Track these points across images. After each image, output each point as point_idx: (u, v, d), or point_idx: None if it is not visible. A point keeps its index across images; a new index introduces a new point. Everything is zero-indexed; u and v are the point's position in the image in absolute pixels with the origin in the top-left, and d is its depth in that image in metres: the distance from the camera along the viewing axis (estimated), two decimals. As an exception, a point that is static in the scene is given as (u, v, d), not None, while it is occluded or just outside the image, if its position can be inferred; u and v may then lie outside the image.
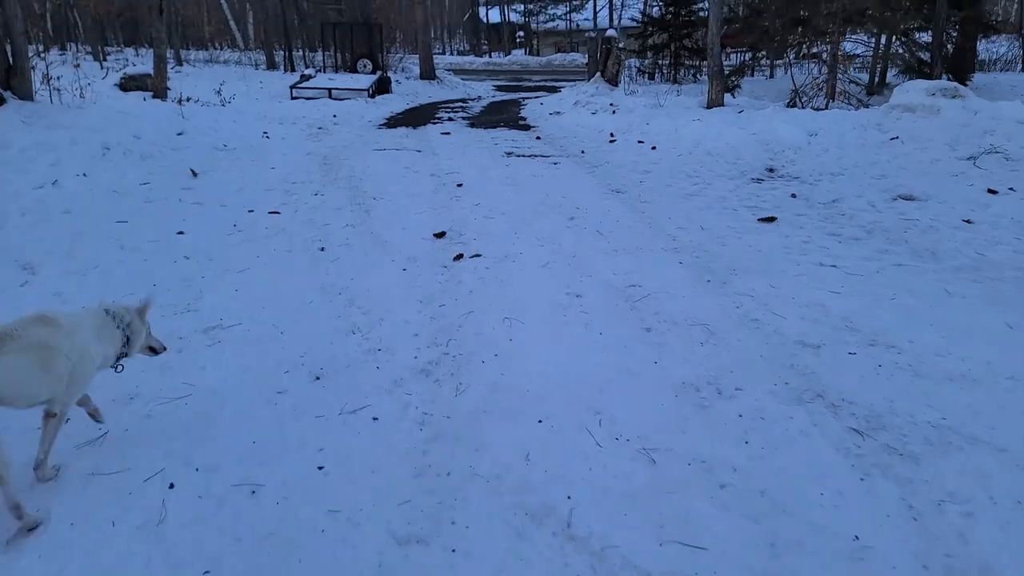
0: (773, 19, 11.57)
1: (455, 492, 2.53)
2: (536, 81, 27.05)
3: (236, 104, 12.32)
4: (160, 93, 11.26)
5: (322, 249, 5.24)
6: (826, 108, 10.08)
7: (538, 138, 10.07)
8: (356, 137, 10.60)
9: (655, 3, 26.48)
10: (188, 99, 10.93)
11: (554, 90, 22.26)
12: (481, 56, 45.38)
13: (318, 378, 3.36)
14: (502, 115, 13.57)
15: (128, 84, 12.00)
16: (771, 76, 20.78)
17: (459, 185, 7.14)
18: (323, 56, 20.77)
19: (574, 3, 44.66)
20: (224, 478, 2.67)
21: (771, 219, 5.63)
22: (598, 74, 14.08)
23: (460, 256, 4.99)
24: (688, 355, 3.41)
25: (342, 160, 8.64)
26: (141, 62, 24.08)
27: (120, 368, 2.82)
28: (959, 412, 2.83)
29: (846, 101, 10.61)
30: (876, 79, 16.56)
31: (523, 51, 46.55)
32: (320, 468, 2.70)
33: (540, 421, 2.93)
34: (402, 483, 2.60)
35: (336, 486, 2.59)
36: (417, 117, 13.54)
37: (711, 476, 2.53)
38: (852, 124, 8.20)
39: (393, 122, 12.75)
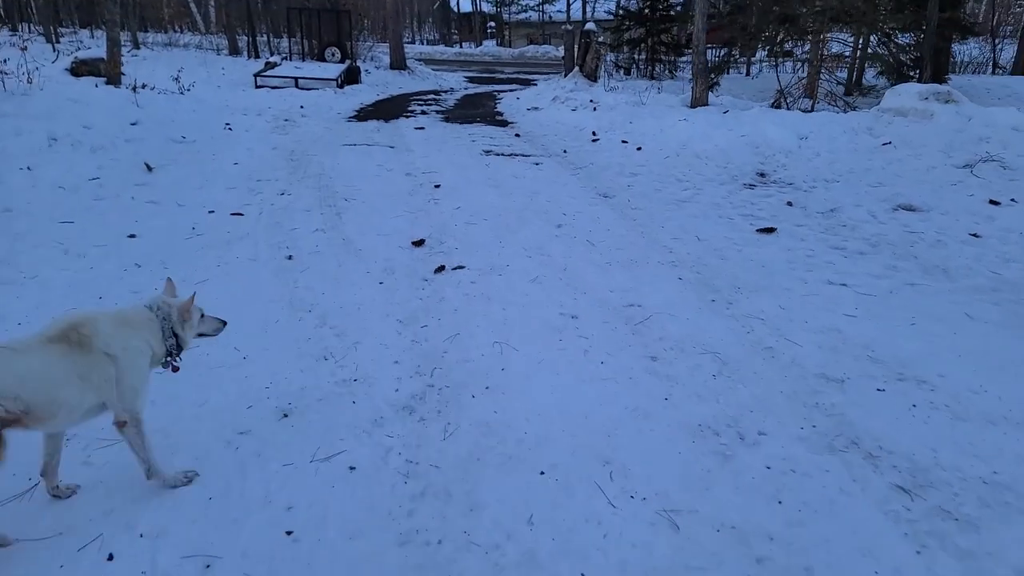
0: (757, 16, 11.34)
1: (449, 567, 2.15)
2: (509, 73, 26.62)
3: (196, 92, 11.66)
4: (114, 79, 10.56)
5: (290, 257, 4.79)
6: (811, 110, 9.87)
7: (517, 135, 9.67)
8: (325, 130, 10.08)
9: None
10: (144, 86, 10.28)
11: (528, 83, 21.88)
12: (452, 46, 44.66)
13: (286, 415, 2.95)
14: (477, 109, 13.13)
15: (80, 69, 11.25)
16: (748, 74, 20.67)
17: (437, 186, 6.72)
18: (289, 43, 20.01)
19: (546, -5, 44.14)
20: (173, 546, 2.26)
21: (770, 230, 5.35)
22: (576, 69, 13.72)
23: (442, 268, 4.59)
24: (701, 391, 3.08)
25: (311, 156, 8.14)
26: (96, 45, 22.96)
27: (176, 367, 2.57)
28: (1009, 464, 2.55)
29: (832, 103, 10.42)
30: (852, 80, 16.53)
31: (494, 42, 45.98)
32: (289, 533, 2.31)
33: (542, 473, 2.57)
34: (386, 554, 2.22)
35: (308, 558, 2.20)
36: (389, 110, 13.02)
37: (745, 547, 2.19)
38: (842, 127, 7.97)
39: (364, 114, 12.23)
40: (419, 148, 8.70)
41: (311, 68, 16.07)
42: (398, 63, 21.08)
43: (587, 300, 4.08)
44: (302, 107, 12.24)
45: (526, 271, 4.54)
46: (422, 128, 10.30)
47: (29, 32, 31.10)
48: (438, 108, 13.26)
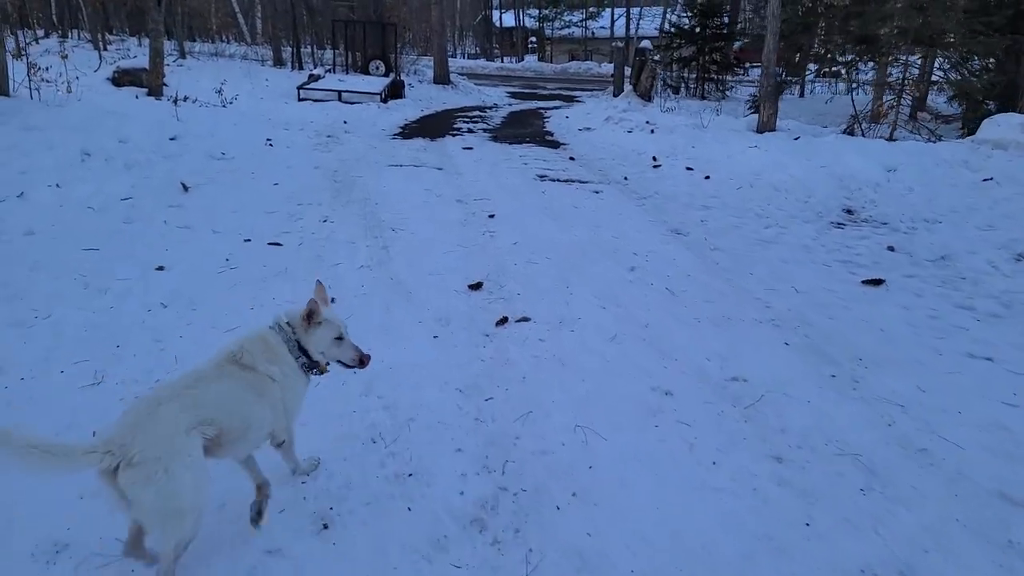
0: (824, 35, 10.59)
1: None
2: (551, 89, 26.13)
3: (238, 104, 11.33)
4: (155, 90, 10.28)
5: (332, 300, 4.24)
6: (891, 137, 9.09)
7: (572, 159, 9.07)
8: (369, 148, 9.61)
9: (680, 13, 25.52)
10: (185, 98, 9.95)
11: (571, 100, 21.38)
12: (493, 60, 44.44)
13: (326, 526, 2.36)
14: (526, 128, 12.58)
15: (122, 78, 11.01)
16: (800, 95, 19.81)
17: (491, 216, 6.14)
18: (333, 55, 19.78)
19: (590, 10, 43.70)
20: None
21: (877, 281, 4.64)
22: (629, 87, 13.11)
23: (504, 320, 3.99)
24: (851, 514, 2.41)
25: (354, 177, 7.64)
26: (142, 53, 23.02)
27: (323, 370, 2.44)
28: None
29: (914, 131, 9.62)
30: (914, 105, 15.63)
31: (536, 57, 45.65)
32: None
33: (662, 640, 1.93)
34: None
35: None
36: (434, 126, 12.55)
37: None
38: (934, 159, 7.21)
39: (408, 131, 11.76)
40: (469, 171, 8.15)
41: (355, 81, 15.73)
42: (442, 77, 20.72)
43: (680, 369, 3.43)
44: (345, 122, 11.82)
45: (601, 327, 3.92)
46: (470, 148, 9.76)
47: (78, 39, 31.66)
48: (485, 126, 12.75)
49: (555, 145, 10.39)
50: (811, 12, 12.34)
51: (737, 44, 22.70)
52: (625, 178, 7.84)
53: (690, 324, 3.97)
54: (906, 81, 9.33)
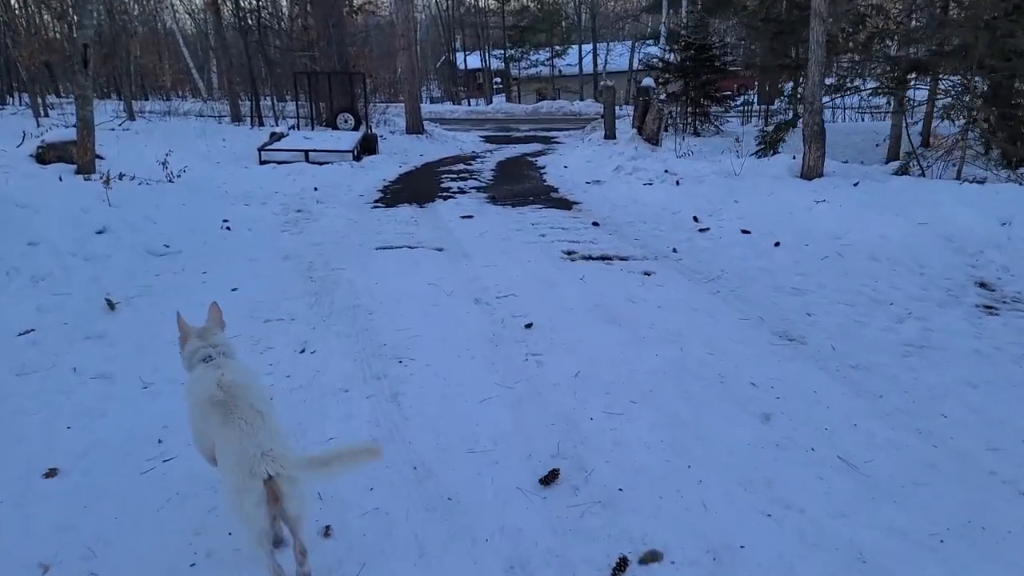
0: (858, 59, 9.37)
1: None
2: (525, 131, 25.03)
3: (188, 177, 9.67)
4: (85, 167, 8.60)
5: (327, 530, 2.59)
6: (959, 177, 7.77)
7: (596, 224, 7.56)
8: (349, 224, 8.01)
9: (663, 47, 24.65)
10: (121, 175, 8.28)
11: (549, 140, 20.21)
12: (459, 103, 43.43)
13: None
14: (522, 182, 11.11)
15: (47, 154, 9.31)
16: (793, 126, 18.76)
17: (528, 326, 4.56)
18: (296, 109, 18.26)
19: (556, 48, 43.09)
20: None
21: None
22: (633, 131, 11.77)
23: (624, 564, 2.38)
24: None
25: (336, 271, 6.02)
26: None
27: None
28: None
29: (988, 166, 8.29)
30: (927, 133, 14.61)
31: (503, 97, 44.78)
32: None
33: None
34: None
35: None
36: (418, 187, 11.01)
37: None
38: (1054, 207, 5.87)
39: (391, 195, 10.20)
40: (477, 250, 6.58)
41: (322, 138, 14.19)
42: (415, 127, 19.31)
43: None
44: (316, 189, 10.22)
45: (786, 562, 2.33)
46: (470, 217, 8.20)
47: (20, 104, 29.71)
48: (476, 183, 11.24)
49: (566, 205, 8.90)
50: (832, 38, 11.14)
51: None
52: (674, 250, 6.33)
53: (929, 548, 2.40)
54: (971, 104, 8.03)
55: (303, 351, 4.31)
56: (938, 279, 5.14)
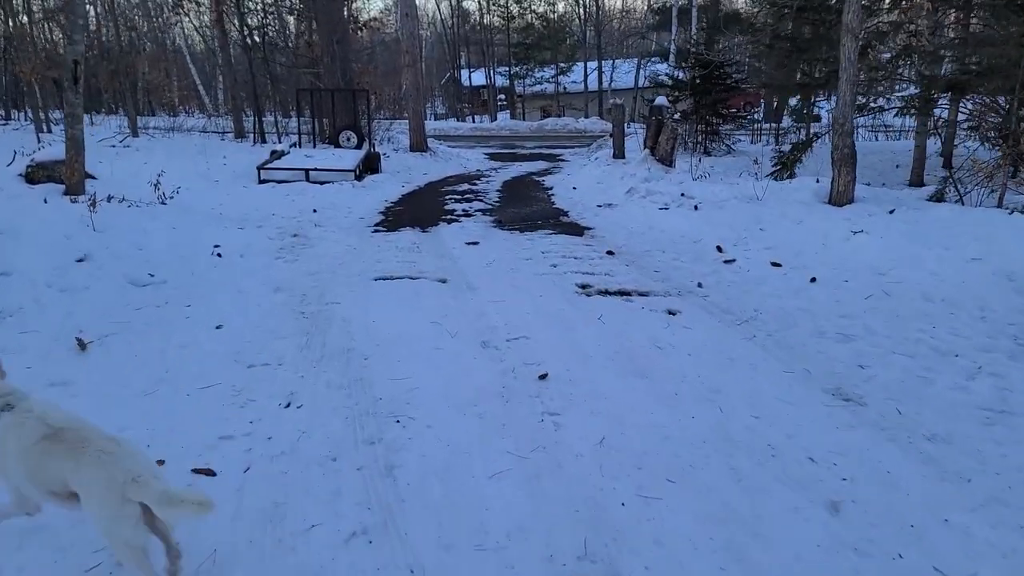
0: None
1: None
2: (530, 148, 24.68)
3: (182, 198, 9.21)
4: (73, 187, 8.14)
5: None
6: (1000, 203, 7.24)
7: (610, 253, 7.04)
8: (347, 250, 7.51)
9: (672, 64, 24.29)
10: (110, 198, 7.81)
11: (554, 158, 19.83)
12: (464, 120, 43.16)
13: None
14: (530, 205, 10.62)
15: (36, 174, 8.87)
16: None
17: (543, 377, 4.04)
18: (299, 126, 17.86)
19: (561, 65, 42.87)
20: None
21: None
22: (646, 152, 11.29)
23: None
24: None
25: (330, 305, 5.51)
26: (94, 134, 21.08)
27: None
28: None
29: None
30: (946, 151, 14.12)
31: (507, 114, 44.52)
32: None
33: None
34: None
35: None
36: (421, 209, 10.54)
37: None
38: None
39: (392, 217, 9.72)
40: (484, 282, 6.07)
41: (324, 157, 13.75)
42: (419, 144, 18.89)
43: None
44: (315, 211, 9.75)
45: None
46: (475, 243, 7.70)
47: (25, 119, 29.47)
48: (481, 204, 10.75)
49: (577, 230, 8.39)
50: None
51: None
52: (699, 284, 5.80)
53: None
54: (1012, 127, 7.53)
55: (288, 405, 3.79)
56: (1002, 324, 4.60)
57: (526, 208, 10.24)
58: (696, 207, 8.31)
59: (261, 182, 12.38)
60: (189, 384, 4.06)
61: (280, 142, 18.08)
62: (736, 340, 4.54)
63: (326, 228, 8.69)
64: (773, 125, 23.09)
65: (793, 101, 28.41)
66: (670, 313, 5.12)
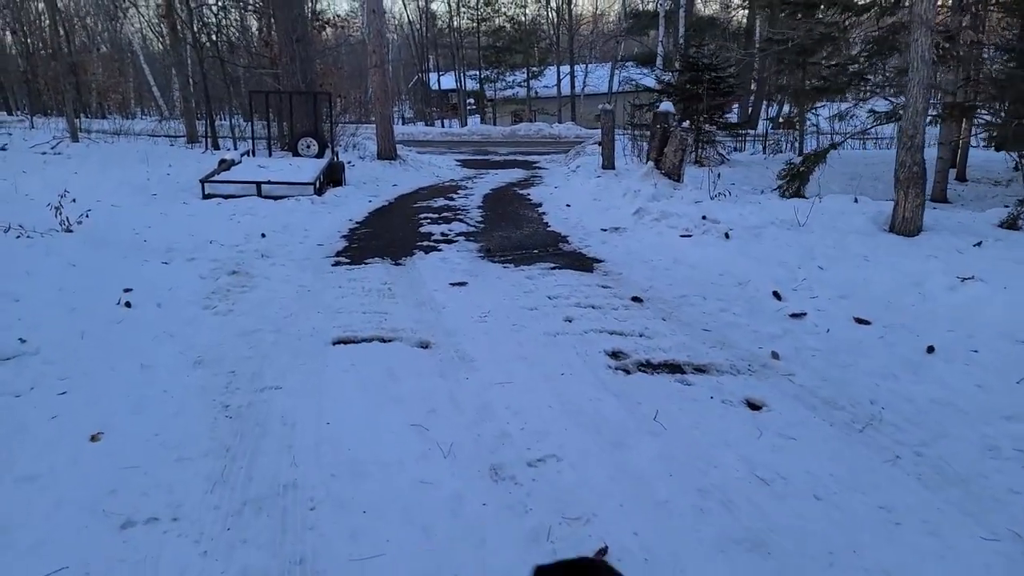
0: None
1: None
2: (503, 154, 23.33)
3: (97, 220, 7.48)
4: (-54, 213, 6.39)
5: None
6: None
7: (637, 300, 5.51)
8: (298, 294, 5.89)
9: (658, 69, 23.02)
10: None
11: (529, 165, 18.52)
12: (432, 125, 41.49)
13: None
14: (520, 226, 9.08)
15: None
16: (799, 153, 17.13)
17: (602, 553, 2.50)
18: (252, 131, 16.06)
19: (533, 69, 41.50)
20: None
21: None
22: (649, 165, 9.85)
23: None
24: None
25: (268, 392, 3.90)
26: (27, 139, 19.00)
27: None
28: None
29: None
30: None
31: (478, 119, 42.98)
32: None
33: None
34: None
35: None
36: (393, 231, 8.94)
37: None
38: None
39: (358, 245, 8.09)
40: (480, 348, 4.52)
41: (279, 167, 12.04)
42: (387, 152, 17.27)
43: None
44: (264, 235, 8.08)
45: None
46: (463, 284, 6.13)
47: (-44, 123, 27.00)
48: (463, 225, 9.18)
49: (584, 264, 6.87)
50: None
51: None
52: (773, 355, 4.31)
53: None
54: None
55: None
56: None
57: (516, 231, 8.70)
58: (727, 235, 6.87)
59: (206, 197, 10.66)
60: (10, 570, 2.44)
61: (237, 148, 16.24)
62: (874, 465, 3.05)
63: (275, 260, 7.03)
64: (757, 133, 22.03)
65: (777, 108, 27.52)
66: (751, 407, 3.63)
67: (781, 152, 18.00)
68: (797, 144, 17.21)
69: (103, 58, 41.51)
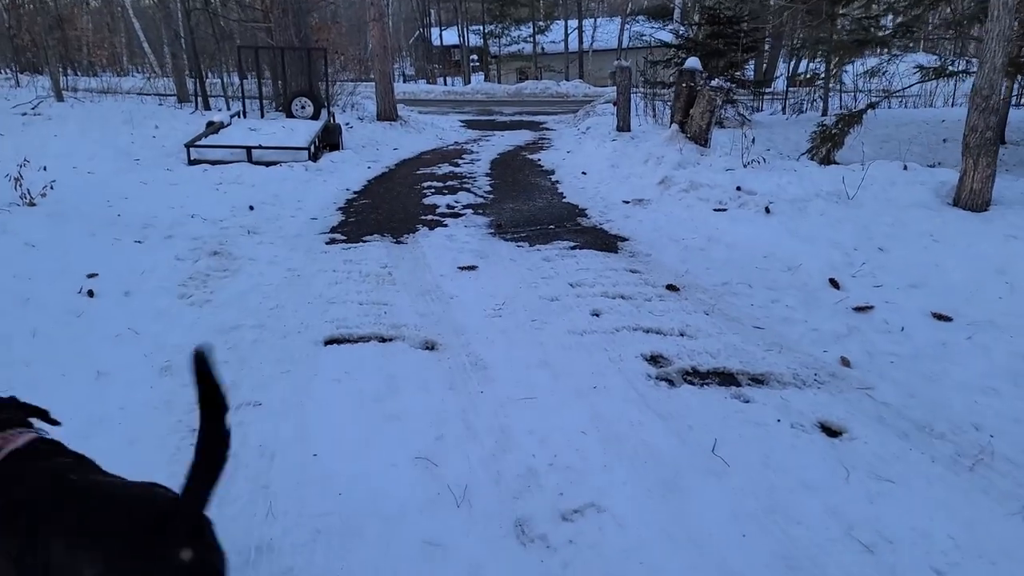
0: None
1: None
2: (509, 114, 22.40)
3: (64, 192, 6.78)
4: None
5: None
6: None
7: (672, 289, 4.84)
8: (287, 280, 5.22)
9: (677, 21, 21.86)
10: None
11: (537, 126, 17.69)
12: (434, 83, 40.20)
13: None
14: (532, 197, 8.35)
15: None
16: (824, 113, 16.19)
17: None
18: (242, 90, 15.17)
19: (539, 24, 40.00)
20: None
21: None
22: (674, 128, 9.06)
23: None
24: None
25: (245, 410, 3.25)
26: (9, 97, 18.12)
27: None
28: None
29: None
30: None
31: (482, 76, 41.62)
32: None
33: None
34: None
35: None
36: (393, 202, 8.22)
37: None
38: None
39: (355, 219, 7.38)
40: (495, 352, 3.86)
41: (271, 131, 11.25)
42: (387, 112, 16.40)
43: None
44: (251, 208, 7.37)
45: None
46: (472, 268, 5.44)
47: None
48: (470, 196, 8.44)
49: (608, 243, 6.17)
50: None
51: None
52: (845, 362, 3.64)
53: None
54: None
55: None
56: None
57: (529, 203, 7.98)
58: (767, 209, 6.15)
59: (191, 163, 9.92)
60: None
61: (229, 108, 15.38)
62: (997, 518, 2.41)
63: (263, 237, 6.35)
64: (775, 92, 20.99)
65: (795, 65, 26.26)
66: (828, 432, 2.99)
67: (803, 112, 17.03)
68: (821, 103, 16.25)
69: (92, 12, 40.16)
